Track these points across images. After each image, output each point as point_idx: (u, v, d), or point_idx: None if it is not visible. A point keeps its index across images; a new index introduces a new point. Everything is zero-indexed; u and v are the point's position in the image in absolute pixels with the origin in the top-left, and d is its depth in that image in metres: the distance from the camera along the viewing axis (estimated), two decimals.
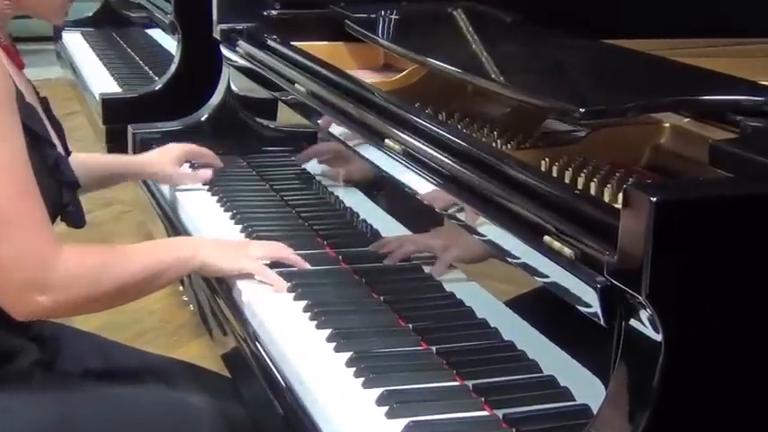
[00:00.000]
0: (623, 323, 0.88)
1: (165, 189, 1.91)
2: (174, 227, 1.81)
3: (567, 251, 0.96)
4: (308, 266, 1.47)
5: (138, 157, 1.94)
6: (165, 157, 1.81)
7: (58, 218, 1.38)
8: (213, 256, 1.42)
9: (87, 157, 1.71)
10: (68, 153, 1.45)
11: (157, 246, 1.52)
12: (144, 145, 2.08)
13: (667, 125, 1.28)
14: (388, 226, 1.45)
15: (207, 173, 1.84)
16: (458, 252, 1.28)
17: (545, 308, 1.05)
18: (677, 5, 1.98)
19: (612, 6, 1.97)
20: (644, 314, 0.85)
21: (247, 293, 1.40)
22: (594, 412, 0.91)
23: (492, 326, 1.15)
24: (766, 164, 0.95)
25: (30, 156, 1.26)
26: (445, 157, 1.23)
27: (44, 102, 1.45)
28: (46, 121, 1.40)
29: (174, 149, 1.83)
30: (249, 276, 1.43)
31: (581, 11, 1.87)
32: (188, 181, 1.84)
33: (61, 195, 1.35)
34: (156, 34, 2.90)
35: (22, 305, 1.26)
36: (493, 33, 1.80)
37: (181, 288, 1.84)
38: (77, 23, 3.55)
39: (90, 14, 3.60)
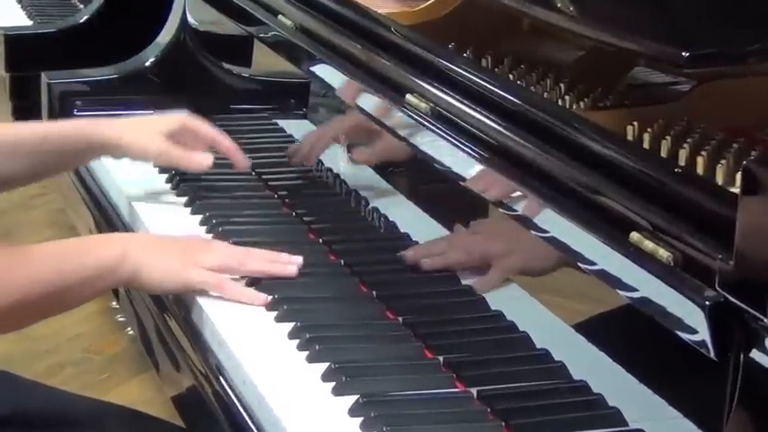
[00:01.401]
0: (741, 355, 0.88)
1: (97, 165, 1.91)
2: (107, 217, 1.82)
3: (664, 254, 0.96)
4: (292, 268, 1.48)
5: (100, 125, 1.77)
6: (148, 128, 1.74)
7: None
8: (150, 264, 1.43)
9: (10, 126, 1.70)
10: None
11: (70, 247, 1.49)
12: (64, 100, 2.07)
13: None
14: (409, 217, 1.46)
15: (208, 157, 1.74)
16: (523, 261, 1.28)
17: (631, 334, 1.06)
18: None
19: None
20: None
21: (211, 312, 1.41)
22: None
23: (556, 359, 1.15)
24: None
25: None
26: (491, 121, 1.24)
27: None
28: None
29: (167, 119, 1.75)
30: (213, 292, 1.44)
31: None
32: (183, 162, 1.73)
33: None
34: None
35: None
36: None
37: (115, 303, 1.84)
38: None
39: None
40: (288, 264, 1.47)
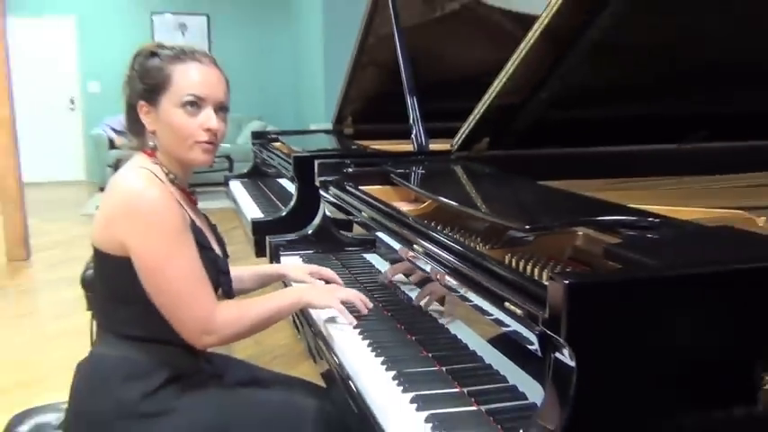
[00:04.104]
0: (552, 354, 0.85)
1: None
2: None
3: (519, 311, 0.94)
4: (367, 308, 1.39)
5: (284, 266, 1.71)
6: (301, 269, 1.64)
7: (219, 290, 1.38)
8: (312, 296, 1.39)
9: (245, 269, 1.60)
10: (227, 255, 1.45)
11: (276, 295, 1.40)
12: (275, 248, 2.05)
13: (581, 233, 1.25)
14: (415, 292, 1.44)
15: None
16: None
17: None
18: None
19: (552, 161, 1.96)
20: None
21: (337, 337, 1.37)
22: None
23: None
24: (640, 259, 0.92)
25: (200, 257, 1.27)
26: (448, 255, 1.23)
27: (214, 227, 1.46)
28: (211, 237, 1.40)
29: (308, 266, 1.66)
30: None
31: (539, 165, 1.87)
32: (309, 279, 1.59)
33: (219, 278, 1.36)
34: (284, 182, 2.90)
35: (199, 342, 1.28)
36: (477, 180, 1.79)
37: (297, 335, 1.81)
38: (238, 176, 3.59)
39: (245, 170, 3.64)
40: (364, 306, 1.38)
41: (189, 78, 1.27)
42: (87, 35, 8.37)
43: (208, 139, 1.28)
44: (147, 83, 1.28)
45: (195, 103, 1.27)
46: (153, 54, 1.29)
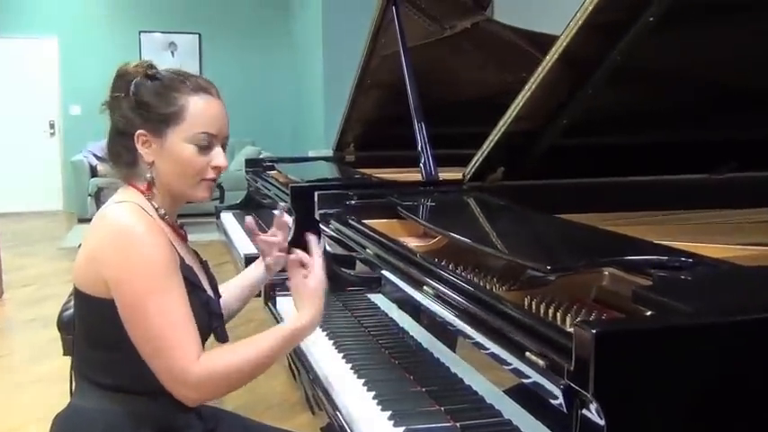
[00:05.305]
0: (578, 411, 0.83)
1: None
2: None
3: (541, 362, 0.91)
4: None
5: (256, 267, 1.61)
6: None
7: (211, 335, 1.35)
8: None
9: (225, 290, 1.53)
10: (218, 295, 1.42)
11: (269, 339, 1.28)
12: (271, 288, 2.01)
13: (607, 273, 1.22)
14: (424, 337, 1.42)
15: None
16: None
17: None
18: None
19: (570, 192, 1.95)
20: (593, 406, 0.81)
21: (338, 387, 1.36)
22: None
23: None
24: (674, 305, 0.89)
25: (189, 298, 1.22)
26: (460, 297, 1.21)
27: (204, 264, 1.43)
28: (202, 276, 1.37)
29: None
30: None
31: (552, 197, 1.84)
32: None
33: (211, 322, 1.33)
34: None
35: (179, 395, 1.22)
36: (492, 214, 1.78)
37: (294, 382, 1.78)
38: (230, 207, 3.60)
39: (237, 201, 3.64)
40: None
41: (203, 114, 1.26)
42: (70, 56, 8.48)
43: (214, 176, 1.29)
44: (152, 111, 1.24)
45: (208, 141, 1.27)
46: (152, 77, 1.25)
